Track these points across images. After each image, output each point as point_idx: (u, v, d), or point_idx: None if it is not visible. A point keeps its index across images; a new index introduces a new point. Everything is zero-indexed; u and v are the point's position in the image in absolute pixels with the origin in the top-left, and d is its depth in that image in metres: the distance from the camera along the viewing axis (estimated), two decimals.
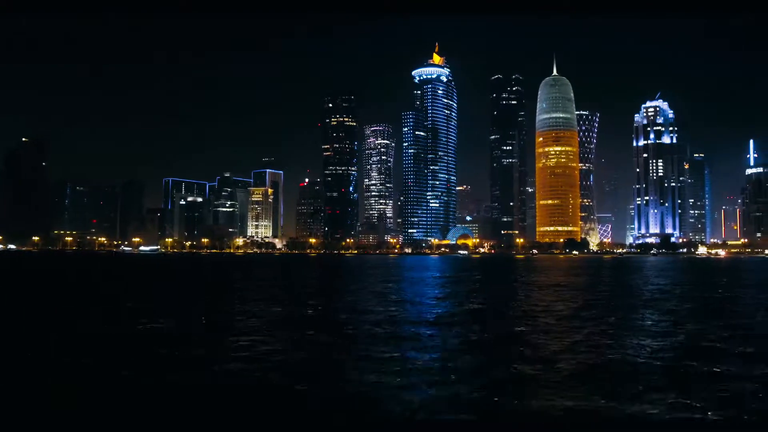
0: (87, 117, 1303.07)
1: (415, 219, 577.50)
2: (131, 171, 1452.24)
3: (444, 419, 16.57)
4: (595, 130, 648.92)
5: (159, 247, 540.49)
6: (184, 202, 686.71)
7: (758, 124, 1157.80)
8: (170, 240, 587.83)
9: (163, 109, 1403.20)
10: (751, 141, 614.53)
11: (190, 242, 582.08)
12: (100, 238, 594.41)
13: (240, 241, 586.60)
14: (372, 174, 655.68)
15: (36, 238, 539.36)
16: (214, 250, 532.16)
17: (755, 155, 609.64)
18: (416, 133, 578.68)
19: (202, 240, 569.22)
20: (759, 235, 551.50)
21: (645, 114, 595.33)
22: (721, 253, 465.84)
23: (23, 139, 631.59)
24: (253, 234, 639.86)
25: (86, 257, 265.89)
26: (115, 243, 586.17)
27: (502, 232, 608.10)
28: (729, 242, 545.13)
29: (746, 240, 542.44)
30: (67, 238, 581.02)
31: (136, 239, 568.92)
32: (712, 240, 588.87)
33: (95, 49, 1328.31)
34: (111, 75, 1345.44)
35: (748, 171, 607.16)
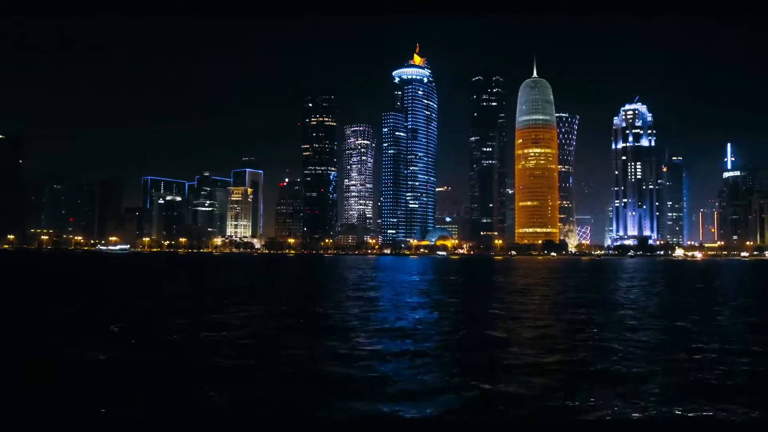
0: (67, 116, 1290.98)
1: (395, 220, 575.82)
2: (111, 170, 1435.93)
3: (443, 419, 16.21)
4: (575, 132, 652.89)
5: (129, 246, 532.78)
6: (162, 202, 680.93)
7: (736, 127, 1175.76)
8: (148, 239, 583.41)
9: (144, 108, 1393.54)
10: (729, 144, 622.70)
11: (168, 242, 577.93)
12: (76, 237, 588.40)
13: (218, 240, 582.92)
14: (352, 174, 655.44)
15: (11, 237, 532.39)
16: (193, 250, 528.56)
17: (732, 159, 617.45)
18: (396, 133, 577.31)
19: (181, 239, 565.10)
20: (735, 237, 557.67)
21: (624, 117, 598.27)
22: (698, 255, 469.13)
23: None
24: (232, 234, 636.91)
25: (50, 257, 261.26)
26: (92, 242, 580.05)
27: (482, 233, 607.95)
28: (706, 244, 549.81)
29: (723, 242, 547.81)
30: (43, 237, 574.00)
31: (114, 238, 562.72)
32: (689, 242, 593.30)
33: (76, 48, 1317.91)
34: (91, 75, 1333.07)
35: (726, 174, 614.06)
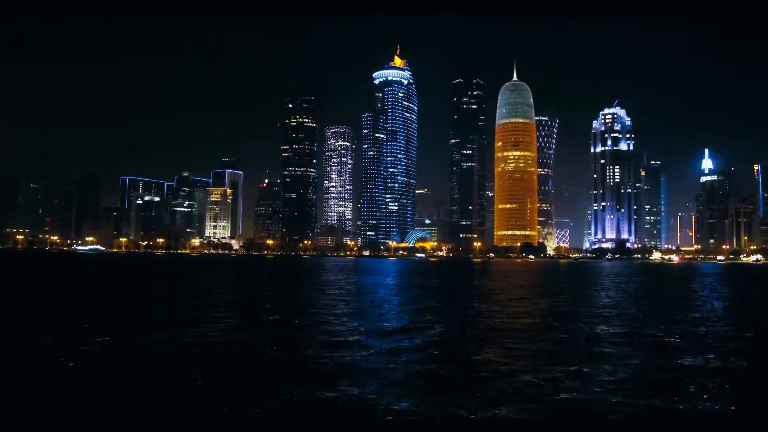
0: (45, 115, 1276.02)
1: (374, 221, 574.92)
2: (89, 169, 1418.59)
3: (442, 420, 16.23)
4: (554, 136, 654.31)
5: (101, 246, 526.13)
6: (141, 201, 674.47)
7: (714, 132, 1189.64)
8: (125, 240, 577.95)
9: (122, 107, 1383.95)
10: (706, 149, 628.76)
11: (145, 242, 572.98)
12: (52, 237, 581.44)
13: (196, 241, 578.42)
14: (331, 176, 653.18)
15: None
16: (170, 251, 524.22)
17: (710, 163, 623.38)
18: (376, 135, 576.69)
19: (158, 240, 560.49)
20: (712, 241, 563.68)
21: (603, 121, 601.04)
22: (675, 258, 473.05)
23: None
24: (211, 234, 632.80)
25: (19, 257, 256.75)
26: (69, 242, 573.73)
27: (461, 235, 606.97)
28: (683, 248, 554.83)
29: (700, 246, 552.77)
30: (18, 237, 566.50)
31: (90, 238, 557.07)
32: (666, 245, 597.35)
33: (52, 46, 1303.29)
34: (69, 72, 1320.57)
35: (703, 179, 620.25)
